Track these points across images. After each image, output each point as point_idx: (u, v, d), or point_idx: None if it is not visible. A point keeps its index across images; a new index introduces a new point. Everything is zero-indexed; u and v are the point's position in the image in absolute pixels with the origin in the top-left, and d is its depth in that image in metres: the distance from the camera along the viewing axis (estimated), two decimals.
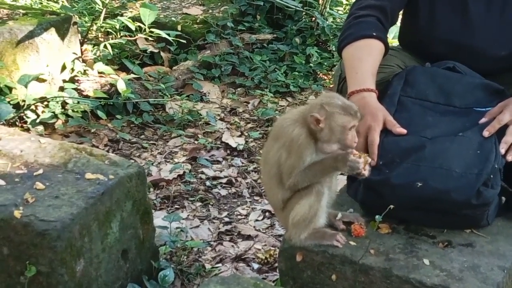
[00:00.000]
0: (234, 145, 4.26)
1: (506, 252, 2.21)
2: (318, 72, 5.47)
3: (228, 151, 4.24)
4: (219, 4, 5.98)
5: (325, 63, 5.49)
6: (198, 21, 5.61)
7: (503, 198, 2.39)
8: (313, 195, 2.15)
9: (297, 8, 5.75)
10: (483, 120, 2.39)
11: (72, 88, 4.32)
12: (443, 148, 2.28)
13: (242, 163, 4.10)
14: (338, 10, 6.30)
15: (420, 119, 2.43)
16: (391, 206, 2.12)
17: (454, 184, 2.19)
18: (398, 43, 3.07)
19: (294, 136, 2.16)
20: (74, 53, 4.52)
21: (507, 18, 2.71)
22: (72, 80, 4.45)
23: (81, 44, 4.71)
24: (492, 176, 2.23)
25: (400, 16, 2.94)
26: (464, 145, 2.29)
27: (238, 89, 5.19)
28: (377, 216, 2.20)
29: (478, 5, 2.71)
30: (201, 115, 4.59)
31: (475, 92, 2.53)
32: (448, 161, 2.24)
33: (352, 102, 2.20)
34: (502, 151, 2.31)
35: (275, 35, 5.72)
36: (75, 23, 4.57)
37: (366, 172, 2.14)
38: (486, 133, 2.32)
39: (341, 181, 2.71)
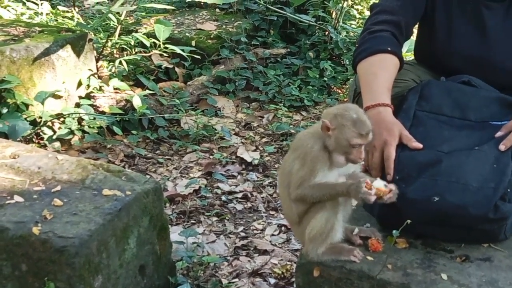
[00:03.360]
0: (249, 160, 4.27)
1: None
2: (332, 86, 5.48)
3: (243, 166, 4.25)
4: (233, 19, 6.01)
5: (339, 77, 5.50)
6: (212, 36, 5.65)
7: None
8: (329, 209, 2.15)
9: (311, 23, 5.78)
10: (499, 133, 2.38)
11: (88, 104, 4.36)
12: (460, 163, 2.27)
13: (257, 177, 4.11)
14: (351, 24, 6.32)
15: (436, 134, 2.42)
16: (408, 221, 2.11)
17: (471, 198, 2.18)
18: (412, 57, 3.07)
19: (309, 148, 2.17)
20: (89, 69, 4.57)
21: None
22: (88, 96, 4.50)
23: (97, 60, 4.75)
24: (509, 190, 2.22)
25: (416, 30, 2.95)
26: (481, 159, 2.29)
27: (253, 103, 5.21)
28: (394, 231, 2.20)
29: (495, 19, 2.72)
30: (216, 130, 4.61)
31: (491, 106, 2.52)
32: (464, 175, 2.23)
33: (369, 119, 2.19)
34: None
35: (288, 50, 5.74)
36: (91, 39, 4.61)
37: (385, 199, 2.15)
38: (502, 147, 2.32)
39: None
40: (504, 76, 2.73)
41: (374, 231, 2.33)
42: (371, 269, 2.17)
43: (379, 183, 2.15)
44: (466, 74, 2.66)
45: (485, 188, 2.21)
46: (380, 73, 2.58)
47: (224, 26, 5.86)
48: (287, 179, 2.24)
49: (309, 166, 2.16)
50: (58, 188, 2.52)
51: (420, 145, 2.35)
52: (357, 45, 2.78)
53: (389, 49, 2.63)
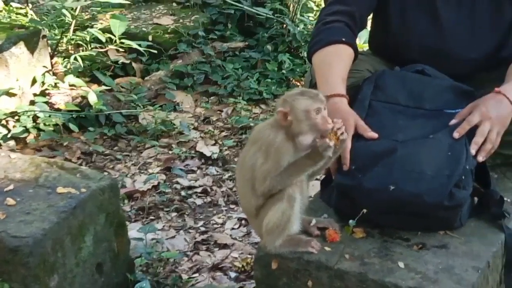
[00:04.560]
0: (208, 154, 4.25)
1: (480, 253, 2.21)
2: (291, 79, 5.47)
3: (203, 160, 4.22)
4: (190, 13, 5.97)
5: (298, 70, 5.50)
6: (169, 31, 5.60)
7: (476, 199, 2.41)
8: (285, 201, 2.14)
9: (268, 16, 5.76)
10: (453, 121, 2.40)
11: (43, 102, 4.29)
12: (414, 151, 2.28)
13: (217, 171, 4.09)
14: (309, 16, 6.30)
15: (391, 123, 2.43)
16: (364, 211, 2.12)
17: (426, 186, 2.20)
18: (368, 48, 3.08)
19: (271, 140, 2.15)
20: (44, 66, 4.49)
21: (477, 21, 2.73)
22: (43, 93, 4.42)
23: (51, 57, 4.67)
24: (463, 177, 2.24)
25: (370, 21, 2.96)
26: (435, 147, 2.30)
27: (211, 97, 5.18)
28: (350, 221, 2.20)
29: (448, 9, 2.73)
30: (174, 125, 4.57)
31: (445, 94, 2.54)
32: (419, 163, 2.24)
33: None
34: (473, 152, 2.32)
35: (246, 43, 5.71)
36: (44, 36, 4.53)
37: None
38: (456, 135, 2.33)
39: (315, 187, 2.71)
40: (459, 66, 2.75)
41: (332, 221, 2.33)
42: (329, 260, 2.17)
43: None
44: (422, 63, 2.67)
45: (440, 176, 2.22)
46: (335, 63, 2.58)
47: (181, 20, 5.82)
48: (248, 173, 2.22)
49: (274, 159, 2.14)
50: (11, 187, 2.48)
51: (376, 135, 2.36)
52: (312, 36, 2.77)
53: (343, 39, 2.63)
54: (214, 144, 4.43)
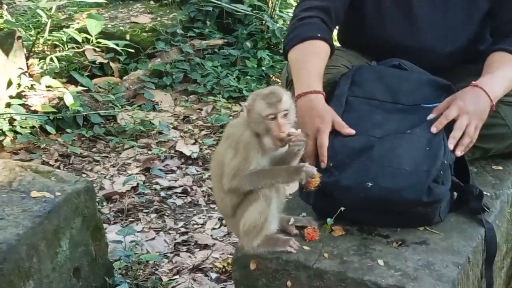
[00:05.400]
0: (188, 154, 4.22)
1: (460, 248, 2.19)
2: (271, 75, 5.46)
3: (183, 160, 4.19)
4: (168, 11, 5.93)
5: (277, 66, 5.48)
6: (147, 29, 5.57)
7: (455, 194, 2.39)
8: (262, 201, 2.10)
9: (247, 12, 5.73)
10: (430, 116, 2.38)
11: (19, 104, 4.23)
12: (392, 147, 2.26)
13: (197, 171, 4.06)
14: (288, 12, 6.27)
15: (368, 119, 2.40)
16: (342, 208, 2.09)
17: (404, 182, 2.17)
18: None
19: (239, 135, 2.12)
20: (20, 68, 4.43)
21: (450, 15, 2.72)
22: (19, 95, 4.36)
23: (27, 58, 4.62)
24: (442, 172, 2.22)
25: None
26: (413, 142, 2.28)
27: (191, 96, 5.15)
28: (328, 219, 2.17)
29: (422, 4, 2.72)
30: (153, 124, 4.53)
31: (422, 89, 2.52)
32: (397, 159, 2.22)
33: (299, 106, 2.15)
34: (451, 146, 2.30)
35: (226, 40, 5.69)
36: (20, 37, 4.47)
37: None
38: (434, 129, 2.31)
39: (293, 185, 2.67)
40: (435, 60, 2.74)
41: (310, 220, 2.30)
42: (308, 259, 2.14)
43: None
44: (398, 58, 2.65)
45: (418, 172, 2.20)
46: (311, 60, 2.55)
47: (159, 19, 5.78)
48: (220, 169, 2.19)
49: (242, 155, 2.11)
50: None
51: (353, 131, 2.33)
52: (287, 33, 2.74)
53: (319, 35, 2.60)
54: (194, 144, 4.40)
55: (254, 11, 5.79)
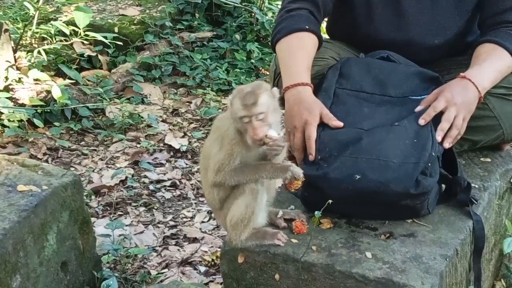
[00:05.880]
0: (177, 147, 4.20)
1: (448, 240, 2.19)
2: (260, 68, 5.44)
3: (172, 153, 4.17)
4: (156, 3, 5.89)
5: (267, 59, 5.46)
6: (135, 22, 5.53)
7: (443, 186, 2.39)
8: (248, 194, 2.10)
9: (236, 4, 5.71)
10: (418, 108, 2.38)
11: (6, 97, 4.18)
12: (380, 139, 2.25)
13: (186, 164, 4.04)
14: (277, 4, 6.26)
15: (356, 111, 2.40)
16: (330, 201, 2.09)
17: (392, 174, 2.17)
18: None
19: (226, 130, 2.11)
20: (7, 61, 4.38)
21: (438, 8, 2.72)
22: (7, 89, 4.31)
23: (14, 51, 4.57)
24: (430, 164, 2.22)
25: None
26: (401, 134, 2.28)
27: (180, 89, 5.12)
28: (316, 212, 2.17)
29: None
30: (142, 117, 4.51)
31: (410, 81, 2.51)
32: (385, 151, 2.22)
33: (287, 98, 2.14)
34: (439, 138, 2.30)
35: (215, 33, 5.66)
36: (7, 30, 4.42)
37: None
38: (422, 121, 2.31)
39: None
40: (424, 53, 2.75)
41: (299, 213, 2.31)
42: (296, 252, 2.14)
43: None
44: (387, 50, 2.65)
45: (406, 164, 2.20)
46: (299, 52, 2.54)
47: (147, 11, 5.75)
48: (207, 162, 2.18)
49: (227, 150, 2.10)
50: None
51: (341, 124, 2.33)
52: (275, 25, 2.73)
53: (307, 27, 2.59)
54: (183, 137, 4.38)
55: (243, 4, 5.76)
